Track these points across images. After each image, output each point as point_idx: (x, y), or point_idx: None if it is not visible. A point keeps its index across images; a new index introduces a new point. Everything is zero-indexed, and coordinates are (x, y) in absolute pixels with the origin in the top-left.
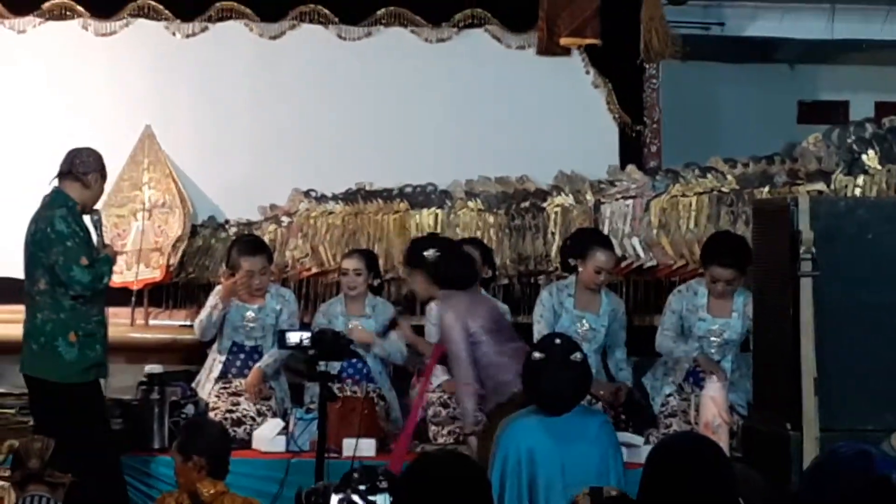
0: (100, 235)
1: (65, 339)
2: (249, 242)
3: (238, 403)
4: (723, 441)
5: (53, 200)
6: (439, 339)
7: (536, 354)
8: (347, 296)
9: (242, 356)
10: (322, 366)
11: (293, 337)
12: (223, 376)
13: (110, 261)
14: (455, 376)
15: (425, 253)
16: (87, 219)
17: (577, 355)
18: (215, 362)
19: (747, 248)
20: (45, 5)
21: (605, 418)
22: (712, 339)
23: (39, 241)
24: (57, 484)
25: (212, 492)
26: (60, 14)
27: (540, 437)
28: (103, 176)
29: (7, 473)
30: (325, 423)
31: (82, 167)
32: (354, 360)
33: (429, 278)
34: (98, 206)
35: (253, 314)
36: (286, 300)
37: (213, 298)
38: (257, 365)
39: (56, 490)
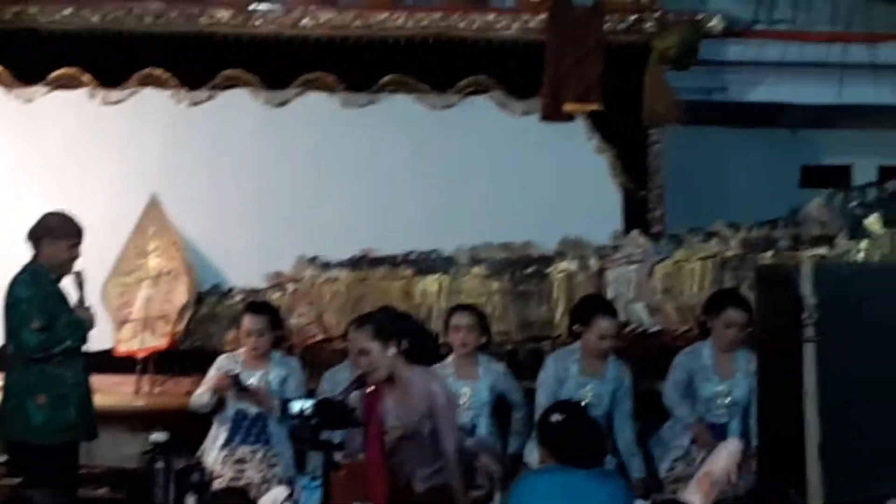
0: (80, 296)
1: (32, 402)
2: (255, 302)
3: (243, 471)
4: (709, 497)
5: (24, 266)
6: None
7: (556, 416)
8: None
9: (246, 423)
10: (325, 435)
11: (295, 406)
12: (228, 444)
13: (83, 324)
14: (448, 446)
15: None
16: (68, 280)
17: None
18: (220, 430)
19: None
20: (52, 74)
21: (622, 483)
22: (718, 400)
23: (4, 305)
24: None
25: None
26: (67, 83)
27: (551, 499)
28: (66, 236)
29: None
30: (329, 492)
31: (37, 231)
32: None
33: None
34: (106, 272)
35: (255, 381)
36: (292, 368)
37: (213, 371)
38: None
39: None
